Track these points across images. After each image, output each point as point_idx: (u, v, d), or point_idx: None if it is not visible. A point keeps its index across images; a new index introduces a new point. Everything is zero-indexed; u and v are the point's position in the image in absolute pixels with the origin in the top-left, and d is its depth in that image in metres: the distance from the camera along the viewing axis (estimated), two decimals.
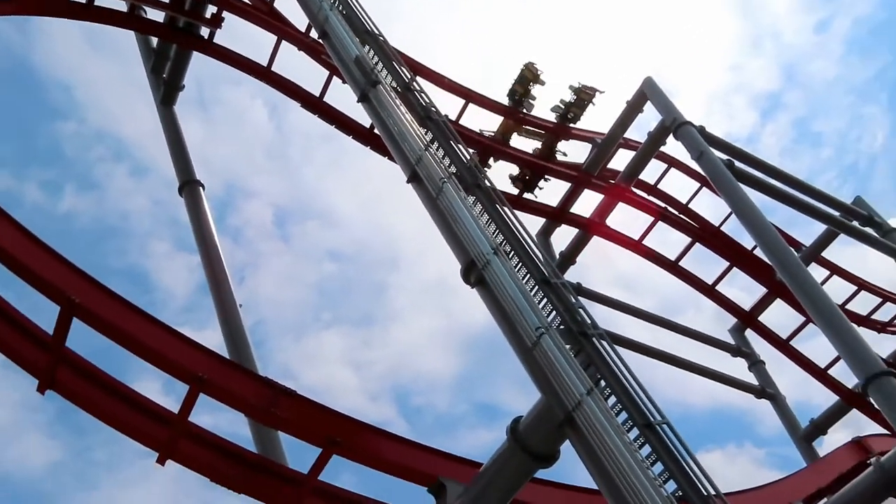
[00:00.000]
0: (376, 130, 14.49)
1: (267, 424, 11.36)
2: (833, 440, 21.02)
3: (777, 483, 15.25)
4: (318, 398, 11.12)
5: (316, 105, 19.03)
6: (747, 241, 20.99)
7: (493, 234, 11.02)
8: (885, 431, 18.35)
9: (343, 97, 18.65)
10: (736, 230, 21.53)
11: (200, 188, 18.06)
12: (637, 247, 21.73)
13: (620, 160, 21.39)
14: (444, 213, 11.10)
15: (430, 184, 11.47)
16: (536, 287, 10.31)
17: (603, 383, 9.17)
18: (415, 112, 13.13)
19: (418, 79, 14.18)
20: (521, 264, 10.60)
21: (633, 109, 19.95)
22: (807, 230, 22.21)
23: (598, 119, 21.01)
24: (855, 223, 19.95)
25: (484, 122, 20.23)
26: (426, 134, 12.66)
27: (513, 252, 10.75)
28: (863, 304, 24.52)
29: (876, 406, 12.60)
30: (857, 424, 21.37)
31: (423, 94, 13.55)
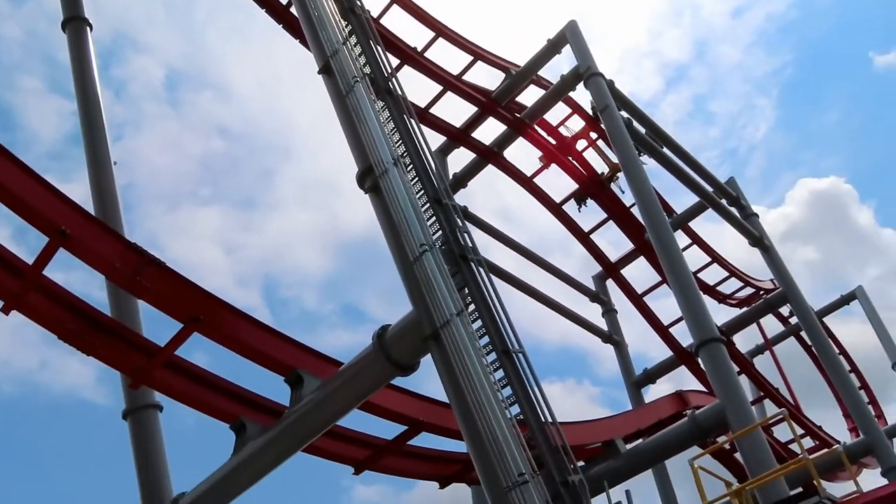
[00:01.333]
0: (293, 10, 13.72)
1: (130, 291, 10.94)
2: (659, 390, 23.28)
3: (604, 420, 16.68)
4: (183, 273, 10.80)
5: None
6: (628, 198, 22.06)
7: (396, 144, 10.94)
8: (705, 390, 20.47)
9: None
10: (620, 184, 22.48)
11: (87, 28, 16.44)
12: (527, 183, 22.30)
13: (529, 97, 21.60)
14: (350, 113, 10.85)
15: (342, 80, 11.13)
16: (428, 205, 10.45)
17: (473, 307, 9.59)
18: (338, 2, 12.55)
19: None
20: (417, 179, 10.66)
21: (551, 49, 20.05)
22: (682, 201, 23.68)
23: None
24: (724, 201, 21.50)
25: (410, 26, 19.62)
26: (346, 27, 12.19)
27: (412, 166, 10.78)
28: (713, 275, 26.79)
29: (702, 366, 13.94)
30: (682, 379, 23.73)
31: None
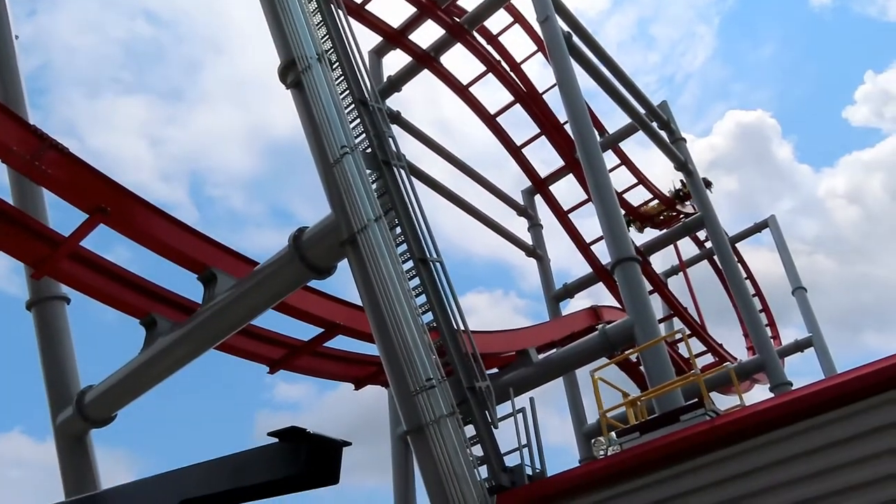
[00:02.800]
0: None
1: (29, 177, 10.29)
2: (577, 305, 24.07)
3: (520, 330, 17.21)
4: (102, 166, 10.21)
5: None
6: (562, 115, 21.94)
7: (323, 38, 10.41)
8: (619, 306, 21.27)
9: None
10: (555, 102, 22.39)
11: None
12: (463, 92, 21.84)
13: (471, 1, 20.81)
14: (274, 1, 10.18)
15: None
16: (353, 106, 10.09)
17: (393, 213, 9.47)
18: None
19: None
20: (343, 78, 10.23)
21: None
22: (614, 117, 23.77)
23: None
24: (654, 124, 21.68)
25: None
26: None
27: (338, 63, 10.31)
28: (638, 197, 27.38)
29: (618, 283, 14.38)
30: (600, 296, 24.56)
31: None
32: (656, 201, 27.33)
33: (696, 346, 23.88)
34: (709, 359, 24.42)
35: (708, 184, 26.57)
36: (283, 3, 10.14)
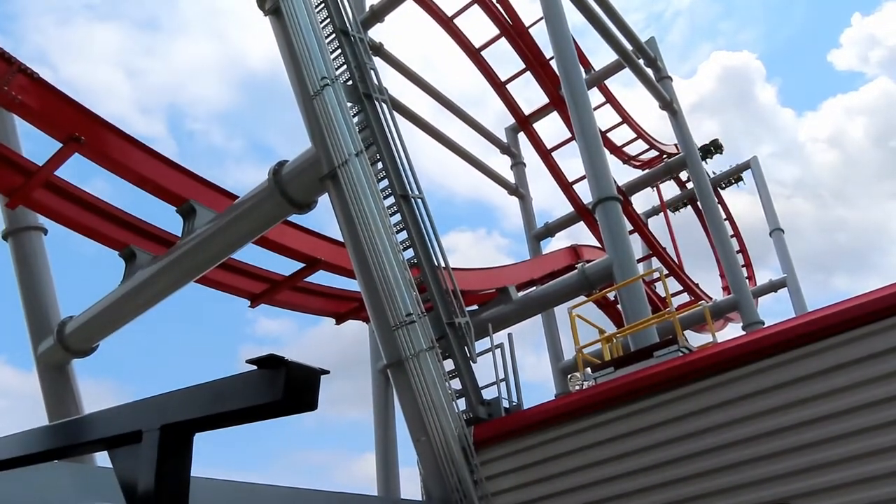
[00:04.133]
0: None
1: None
2: (559, 244, 24.25)
3: (500, 268, 17.34)
4: (77, 96, 9.93)
5: None
6: (548, 51, 21.57)
7: None
8: (599, 246, 21.45)
9: None
10: (541, 37, 21.97)
11: None
12: (447, 24, 21.34)
13: None
14: None
15: None
16: (334, 35, 9.82)
17: (374, 148, 9.35)
18: None
19: None
20: (323, 5, 9.93)
21: None
22: (602, 57, 23.37)
23: None
24: (641, 61, 21.40)
25: None
26: None
27: None
28: (622, 136, 27.28)
29: (598, 223, 14.45)
30: (581, 236, 24.73)
31: None
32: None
33: (674, 285, 24.28)
34: (685, 298, 24.87)
35: (718, 147, 26.96)
36: None
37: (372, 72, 9.78)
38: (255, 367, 2.23)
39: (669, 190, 30.71)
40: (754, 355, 6.41)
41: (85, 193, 11.17)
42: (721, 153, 28.08)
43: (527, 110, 23.71)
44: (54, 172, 10.37)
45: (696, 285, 25.41)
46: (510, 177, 24.82)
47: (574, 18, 17.57)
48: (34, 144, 12.08)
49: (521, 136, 24.69)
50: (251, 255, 12.69)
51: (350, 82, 9.60)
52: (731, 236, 27.31)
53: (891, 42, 64.31)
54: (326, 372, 2.25)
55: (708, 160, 29.70)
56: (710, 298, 23.63)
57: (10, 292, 12.44)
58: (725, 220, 27.29)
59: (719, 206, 25.66)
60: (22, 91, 9.42)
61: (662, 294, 22.93)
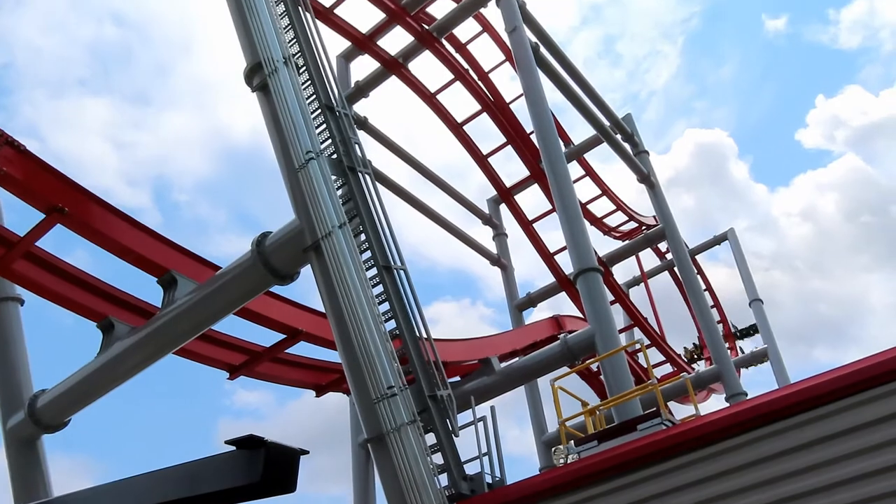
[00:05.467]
0: None
1: None
2: (541, 314, 24.28)
3: (483, 338, 17.27)
4: (64, 168, 10.02)
5: None
6: (528, 126, 22.14)
7: (290, 42, 10.36)
8: (581, 316, 21.50)
9: None
10: (522, 112, 22.59)
11: None
12: (430, 100, 21.90)
13: (440, 9, 20.93)
14: (241, 2, 10.11)
15: None
16: (319, 111, 10.05)
17: (357, 220, 9.44)
18: None
19: None
20: (310, 83, 10.19)
21: None
22: (581, 133, 24.09)
23: None
24: (619, 136, 22.03)
25: None
26: None
27: (305, 68, 10.26)
28: (601, 207, 27.77)
29: (580, 294, 14.54)
30: (563, 306, 24.82)
31: None
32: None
33: (656, 356, 24.27)
34: (668, 369, 24.82)
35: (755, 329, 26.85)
36: (250, 4, 10.08)
37: (356, 146, 9.97)
38: (233, 448, 2.20)
39: (650, 260, 31.09)
40: (739, 427, 6.38)
41: (64, 264, 11.09)
42: (756, 333, 29.03)
43: (508, 183, 24.15)
44: (35, 243, 10.31)
45: (679, 356, 25.42)
46: (492, 247, 25.05)
47: (553, 96, 18.18)
48: (15, 215, 12.03)
49: (503, 208, 25.04)
50: (230, 325, 12.55)
51: (335, 156, 9.77)
52: (712, 307, 27.54)
53: (855, 122, 67.04)
54: (306, 452, 2.23)
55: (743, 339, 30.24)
56: (693, 369, 23.61)
57: None
58: (705, 290, 27.57)
59: (699, 276, 25.96)
60: (7, 163, 9.47)
61: (645, 365, 22.89)
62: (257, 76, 9.87)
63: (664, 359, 24.60)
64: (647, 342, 23.71)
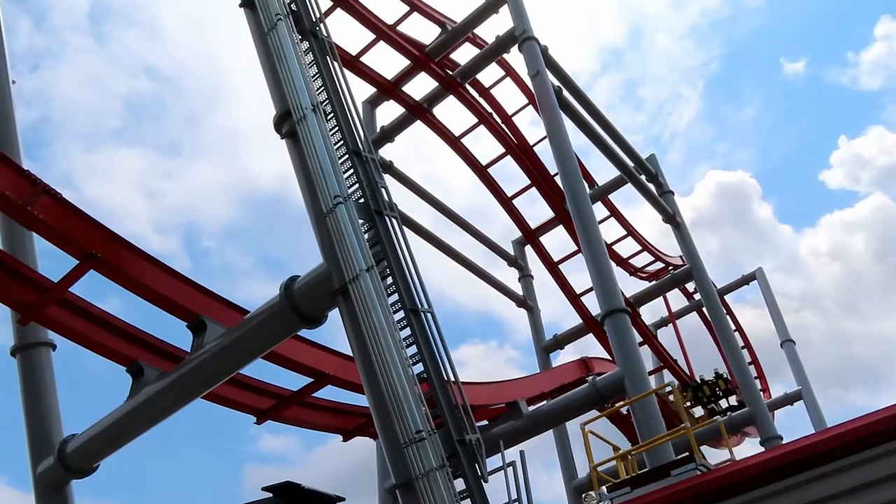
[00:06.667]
0: None
1: (20, 222, 10.27)
2: (568, 356, 23.99)
3: (510, 381, 17.08)
4: (97, 216, 10.24)
5: None
6: (552, 167, 22.26)
7: (318, 90, 10.60)
8: (609, 358, 21.22)
9: None
10: (545, 154, 22.75)
11: None
12: (455, 143, 22.16)
13: (463, 55, 21.32)
14: (271, 53, 10.41)
15: (265, 16, 10.64)
16: (347, 156, 10.21)
17: (384, 264, 9.49)
18: None
19: None
20: (337, 129, 10.38)
21: (489, 7, 19.76)
22: (605, 175, 24.15)
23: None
24: (643, 177, 22.02)
25: None
26: None
27: (332, 114, 10.47)
28: (626, 248, 27.63)
29: (608, 335, 14.38)
30: (590, 347, 24.54)
31: None
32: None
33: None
34: (699, 411, 24.27)
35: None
36: (280, 55, 10.36)
37: (383, 190, 10.09)
38: (269, 495, 2.19)
39: (677, 301, 30.69)
40: (775, 473, 6.21)
41: (96, 308, 11.26)
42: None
43: (533, 224, 24.19)
44: (68, 289, 10.50)
45: (710, 398, 24.86)
46: (518, 289, 24.97)
47: (576, 138, 18.31)
48: (47, 261, 12.31)
49: (529, 249, 25.03)
50: (257, 369, 12.59)
51: (362, 200, 9.88)
52: (742, 347, 27.01)
53: (879, 162, 66.31)
54: (342, 499, 2.22)
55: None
56: (726, 412, 23.06)
57: (14, 409, 12.29)
58: (735, 330, 27.08)
59: (728, 317, 25.54)
60: (44, 210, 9.72)
61: (675, 407, 22.42)
62: (286, 123, 10.09)
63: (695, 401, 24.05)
64: (677, 384, 23.26)
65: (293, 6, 11.13)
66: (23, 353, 12.39)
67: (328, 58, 10.92)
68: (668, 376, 26.46)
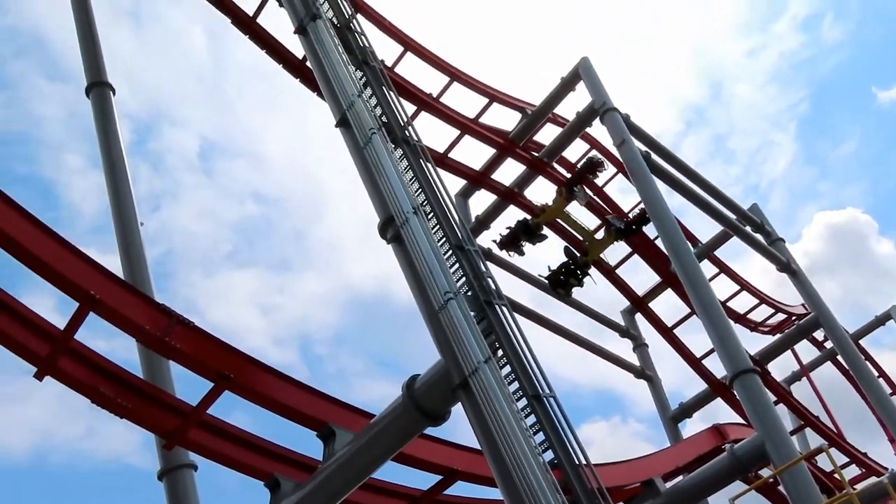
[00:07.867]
0: (309, 64, 14.04)
1: (159, 352, 11.06)
2: (696, 423, 22.79)
3: (642, 458, 16.33)
4: (222, 336, 10.91)
5: (248, 25, 18.10)
6: (651, 231, 21.93)
7: (416, 192, 11.05)
8: (742, 422, 19.98)
9: (279, 24, 17.92)
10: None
11: (110, 92, 16.83)
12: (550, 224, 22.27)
13: (547, 135, 21.74)
14: (369, 165, 11.00)
15: (360, 132, 11.32)
16: (450, 251, 10.48)
17: (500, 352, 9.52)
18: (352, 54, 12.84)
19: (359, 17, 13.89)
20: (438, 227, 10.72)
21: (565, 86, 20.24)
22: (707, 232, 23.54)
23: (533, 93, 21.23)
24: (748, 228, 21.28)
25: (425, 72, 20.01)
26: (361, 78, 12.43)
27: (432, 213, 10.85)
28: (742, 303, 26.40)
29: (738, 398, 13.65)
30: (718, 411, 23.23)
31: (362, 37, 13.27)
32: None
33: (838, 457, 21.89)
34: (854, 471, 22.27)
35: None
36: (377, 165, 10.93)
37: (489, 279, 10.23)
38: None
39: (806, 353, 28.75)
40: None
41: (233, 427, 11.74)
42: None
43: (637, 288, 23.66)
44: (206, 411, 11.07)
45: (864, 454, 22.82)
46: (634, 359, 24.20)
47: (671, 200, 18.03)
48: (178, 384, 13.12)
49: (639, 317, 24.38)
50: (384, 471, 12.66)
51: (470, 292, 10.05)
52: (891, 394, 24.80)
53: None
54: None
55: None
56: (885, 469, 21.03)
57: None
58: (879, 377, 24.98)
59: (868, 363, 23.65)
60: (179, 339, 10.44)
61: (826, 468, 20.66)
62: (390, 228, 10.52)
63: (848, 460, 22.13)
64: (826, 444, 21.50)
65: (384, 118, 11.80)
66: (168, 476, 12.99)
67: (421, 160, 11.43)
68: (811, 435, 24.54)
